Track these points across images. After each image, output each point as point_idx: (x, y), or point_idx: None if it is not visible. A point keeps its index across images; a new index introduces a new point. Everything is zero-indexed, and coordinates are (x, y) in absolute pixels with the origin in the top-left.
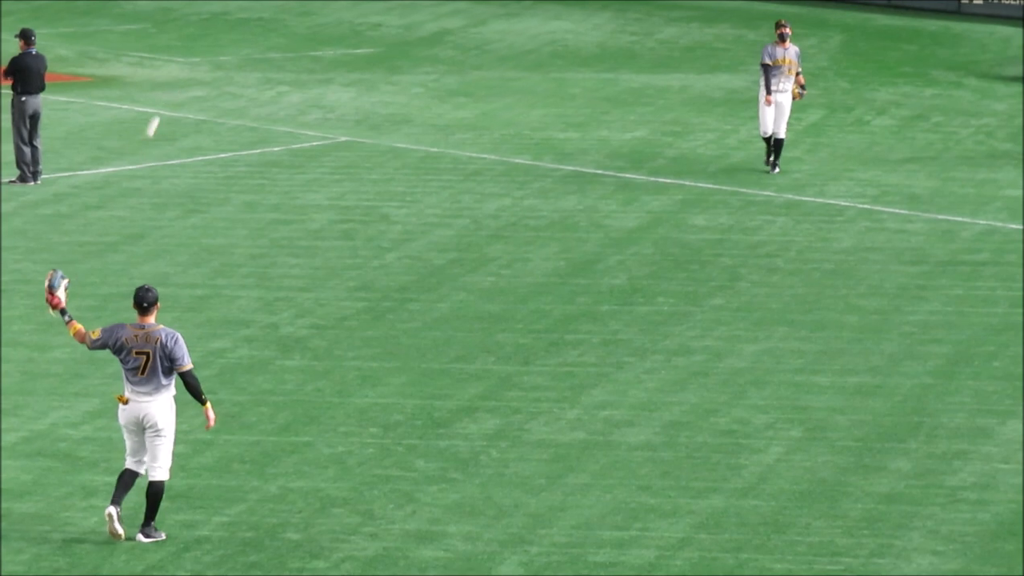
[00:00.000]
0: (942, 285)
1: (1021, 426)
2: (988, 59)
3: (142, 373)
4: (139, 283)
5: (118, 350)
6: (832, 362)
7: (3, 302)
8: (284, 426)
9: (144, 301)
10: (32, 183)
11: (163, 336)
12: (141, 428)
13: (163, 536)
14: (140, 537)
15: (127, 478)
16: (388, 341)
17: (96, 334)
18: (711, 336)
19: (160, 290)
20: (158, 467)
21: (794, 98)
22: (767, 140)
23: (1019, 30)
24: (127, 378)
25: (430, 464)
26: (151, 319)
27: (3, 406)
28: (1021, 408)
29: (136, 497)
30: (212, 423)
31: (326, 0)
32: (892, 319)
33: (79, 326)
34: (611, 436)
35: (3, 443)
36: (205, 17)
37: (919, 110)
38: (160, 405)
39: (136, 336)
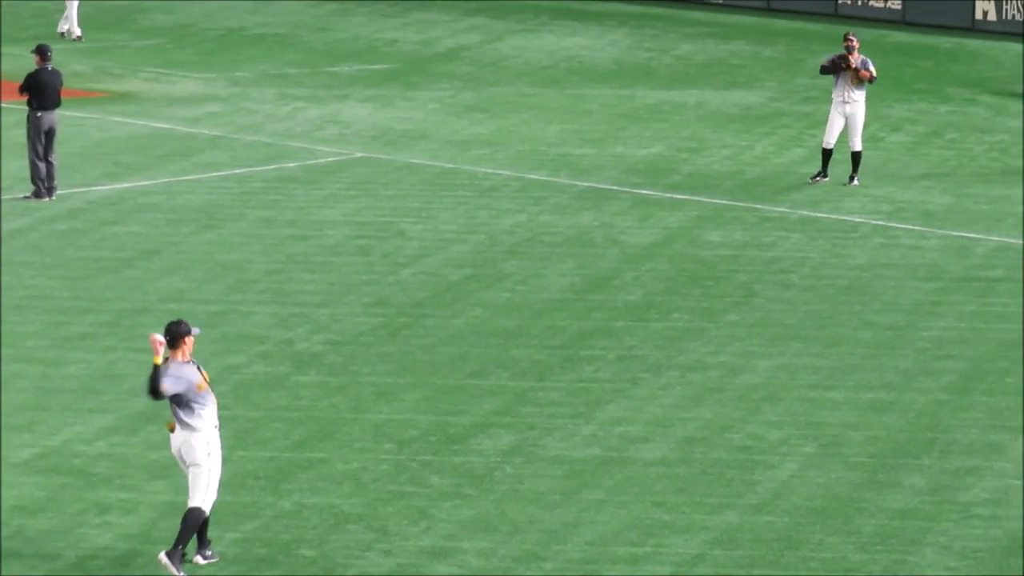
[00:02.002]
0: (956, 301)
1: None
2: (1003, 76)
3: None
4: (154, 299)
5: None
6: (846, 378)
7: (18, 318)
8: (299, 442)
9: (180, 333)
10: (47, 199)
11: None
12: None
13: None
14: (160, 557)
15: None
16: (403, 357)
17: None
18: (726, 352)
19: (175, 306)
20: (191, 495)
21: (863, 79)
22: (826, 152)
23: None
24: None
25: (445, 480)
26: (177, 353)
27: (18, 422)
28: None
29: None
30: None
31: (343, 15)
32: (906, 335)
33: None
34: (626, 452)
35: (18, 459)
36: (222, 33)
37: (934, 127)
38: (190, 438)
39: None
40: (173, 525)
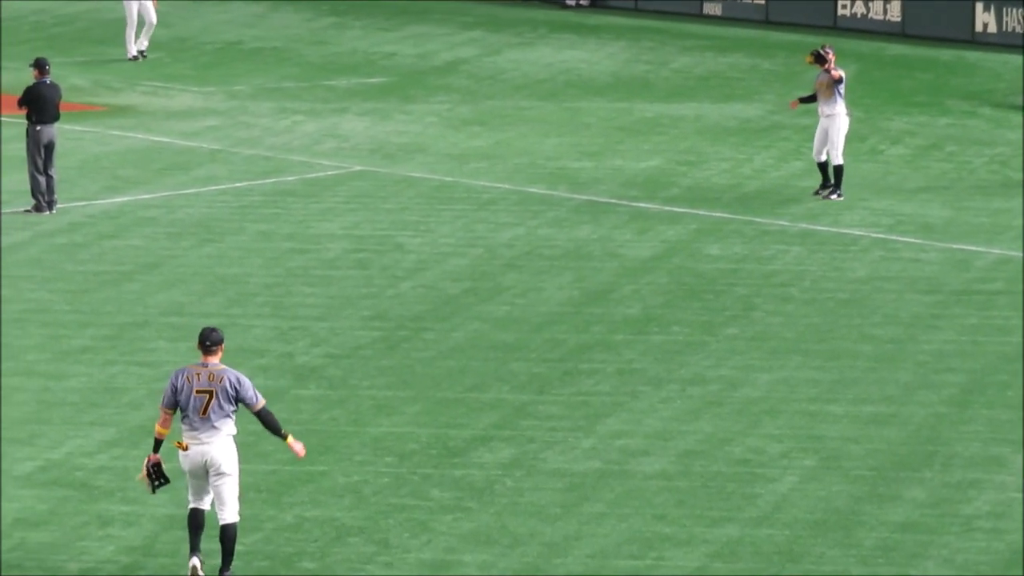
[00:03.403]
0: (956, 314)
1: None
2: (1002, 88)
3: (203, 413)
4: (154, 312)
5: (179, 391)
6: (846, 391)
7: (18, 332)
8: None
9: (208, 340)
10: (47, 212)
11: (229, 376)
12: (205, 472)
13: None
14: None
15: (198, 519)
16: (403, 370)
17: (165, 412)
18: (726, 365)
19: (174, 319)
20: (227, 509)
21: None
22: (819, 166)
23: None
24: (187, 421)
25: (445, 493)
26: (215, 359)
27: (19, 435)
28: None
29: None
30: (302, 453)
31: (340, 29)
32: (906, 348)
33: (160, 429)
34: (626, 465)
35: (19, 472)
36: (219, 46)
37: (933, 139)
38: (222, 446)
39: (199, 375)
40: (175, 538)
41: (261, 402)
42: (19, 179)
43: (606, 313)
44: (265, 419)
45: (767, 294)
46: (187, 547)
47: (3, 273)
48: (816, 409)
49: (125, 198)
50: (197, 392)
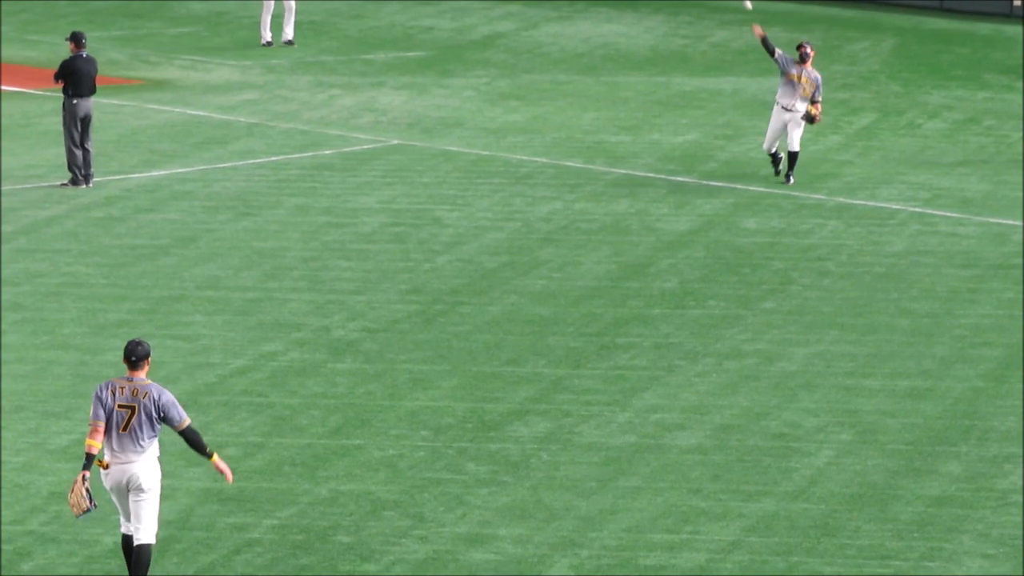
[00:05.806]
0: (994, 288)
1: None
2: None
3: (124, 429)
4: (191, 286)
5: (104, 404)
6: (883, 365)
7: (55, 305)
8: (335, 429)
9: (133, 355)
10: (83, 186)
11: (153, 392)
12: (127, 491)
13: None
14: None
15: (131, 544)
16: (439, 344)
17: (95, 426)
18: (762, 339)
19: (211, 293)
20: (143, 529)
21: (811, 120)
22: (770, 156)
23: None
24: (108, 436)
25: (481, 467)
26: (141, 374)
27: (55, 409)
28: None
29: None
30: (230, 477)
31: (378, 3)
32: (943, 322)
33: (91, 442)
34: (662, 439)
35: (55, 446)
36: (257, 20)
37: (971, 113)
38: (144, 466)
39: (122, 389)
40: (210, 512)
41: (186, 421)
42: (56, 153)
43: (643, 287)
44: (190, 438)
45: (804, 268)
46: (219, 523)
47: (40, 247)
48: (852, 383)
49: (162, 172)
50: (119, 407)
